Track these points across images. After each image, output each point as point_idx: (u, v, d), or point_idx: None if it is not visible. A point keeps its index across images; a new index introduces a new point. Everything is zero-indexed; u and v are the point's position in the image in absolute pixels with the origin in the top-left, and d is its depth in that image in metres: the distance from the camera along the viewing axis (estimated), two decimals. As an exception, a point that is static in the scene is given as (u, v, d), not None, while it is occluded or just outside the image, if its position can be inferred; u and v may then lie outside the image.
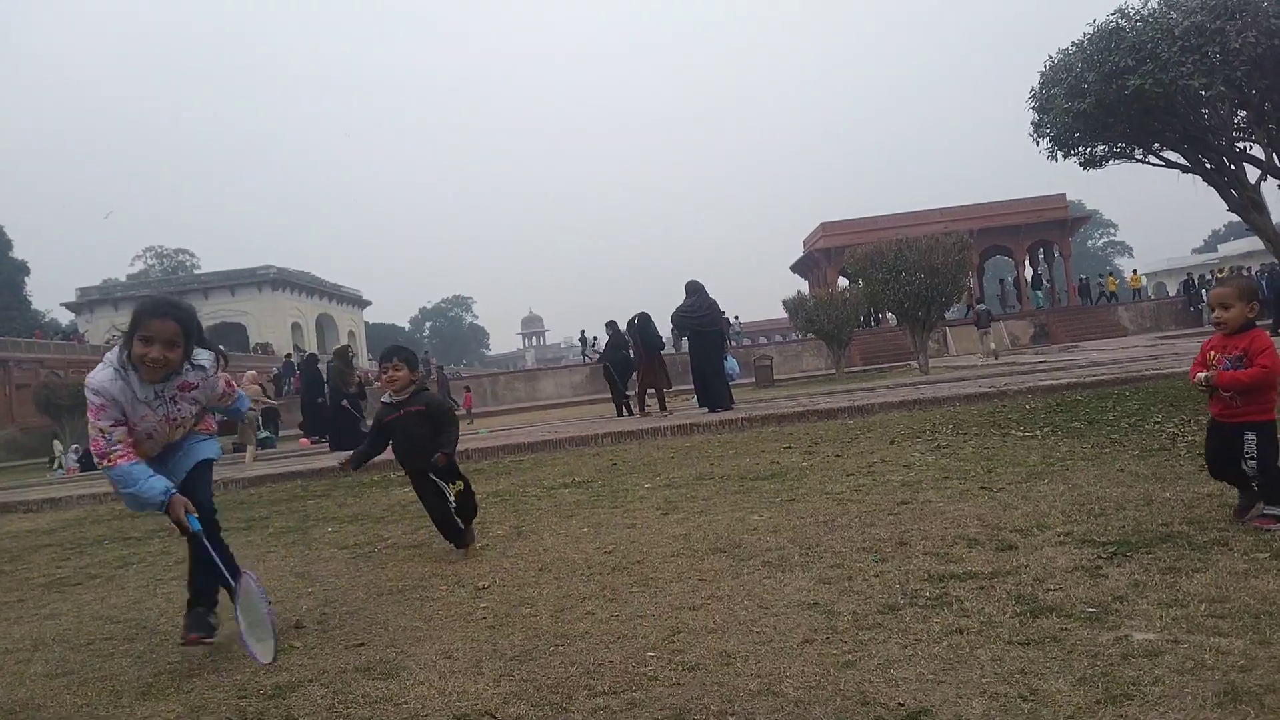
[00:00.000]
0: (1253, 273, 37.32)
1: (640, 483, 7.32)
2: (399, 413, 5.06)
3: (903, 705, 2.46)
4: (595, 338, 43.72)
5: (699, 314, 13.91)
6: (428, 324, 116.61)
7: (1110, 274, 48.62)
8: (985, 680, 2.57)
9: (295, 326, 59.30)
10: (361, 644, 3.69)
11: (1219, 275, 39.71)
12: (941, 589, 3.55)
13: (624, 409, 16.02)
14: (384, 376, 5.07)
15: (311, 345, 56.17)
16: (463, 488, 5.19)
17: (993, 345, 28.16)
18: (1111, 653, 2.67)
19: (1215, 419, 4.13)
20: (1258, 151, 8.99)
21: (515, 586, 4.37)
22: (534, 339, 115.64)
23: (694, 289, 14.07)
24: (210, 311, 54.18)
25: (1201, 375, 4.03)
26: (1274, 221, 10.16)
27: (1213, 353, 4.07)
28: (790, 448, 8.63)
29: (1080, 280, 46.86)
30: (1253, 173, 9.24)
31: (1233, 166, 9.12)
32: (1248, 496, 4.06)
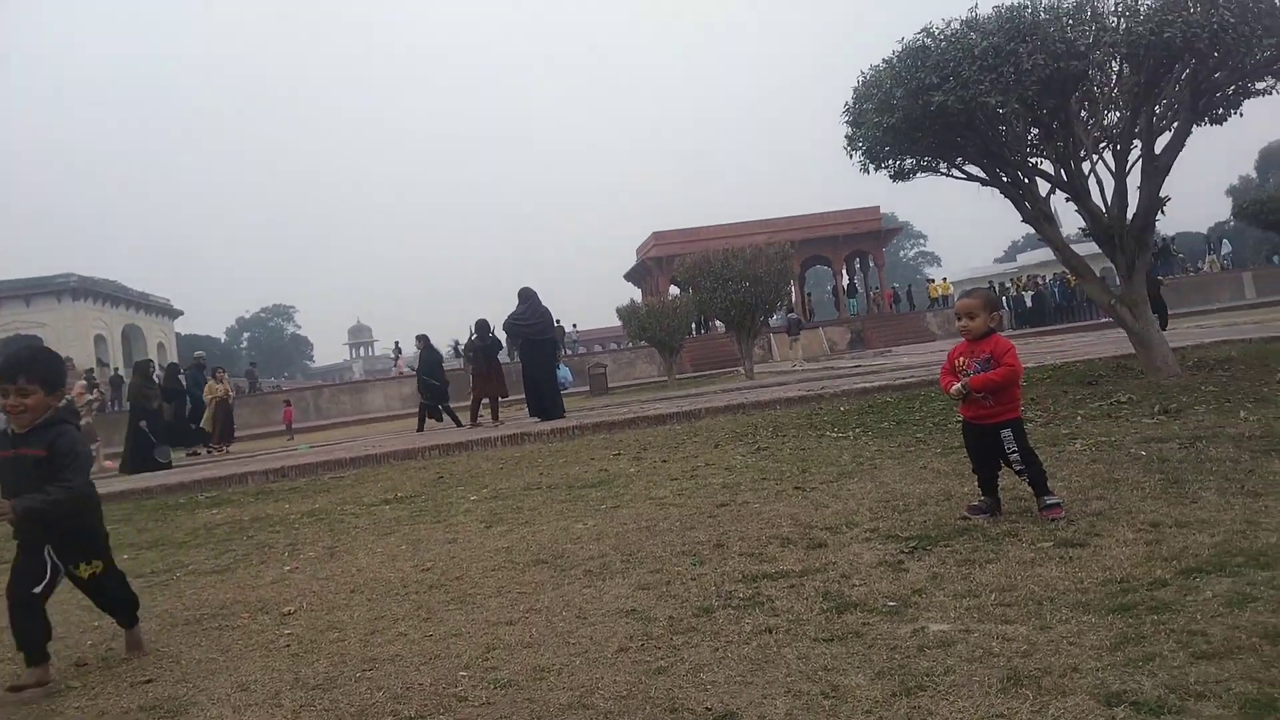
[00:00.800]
0: (1046, 281, 40.34)
1: (466, 495, 7.16)
2: (8, 452, 3.53)
3: (710, 710, 2.47)
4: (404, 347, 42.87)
5: (530, 321, 13.82)
6: (245, 335, 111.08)
7: (933, 281, 51.41)
8: (790, 679, 2.61)
9: (99, 339, 55.23)
10: (149, 680, 3.41)
11: (1018, 282, 42.81)
12: (755, 589, 3.61)
13: (442, 417, 15.90)
14: (3, 403, 3.55)
15: (117, 359, 52.48)
16: (101, 569, 3.75)
17: (800, 353, 29.44)
18: (909, 645, 2.76)
19: (969, 422, 4.44)
20: (1048, 167, 9.66)
21: (324, 610, 4.16)
22: (362, 349, 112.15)
23: (526, 296, 13.96)
24: (2, 324, 49.83)
25: (957, 386, 4.33)
26: (1064, 234, 10.96)
27: (961, 359, 4.38)
28: (619, 454, 8.66)
29: (893, 288, 49.36)
30: (1044, 187, 9.92)
31: (1026, 180, 9.76)
32: (991, 500, 4.37)
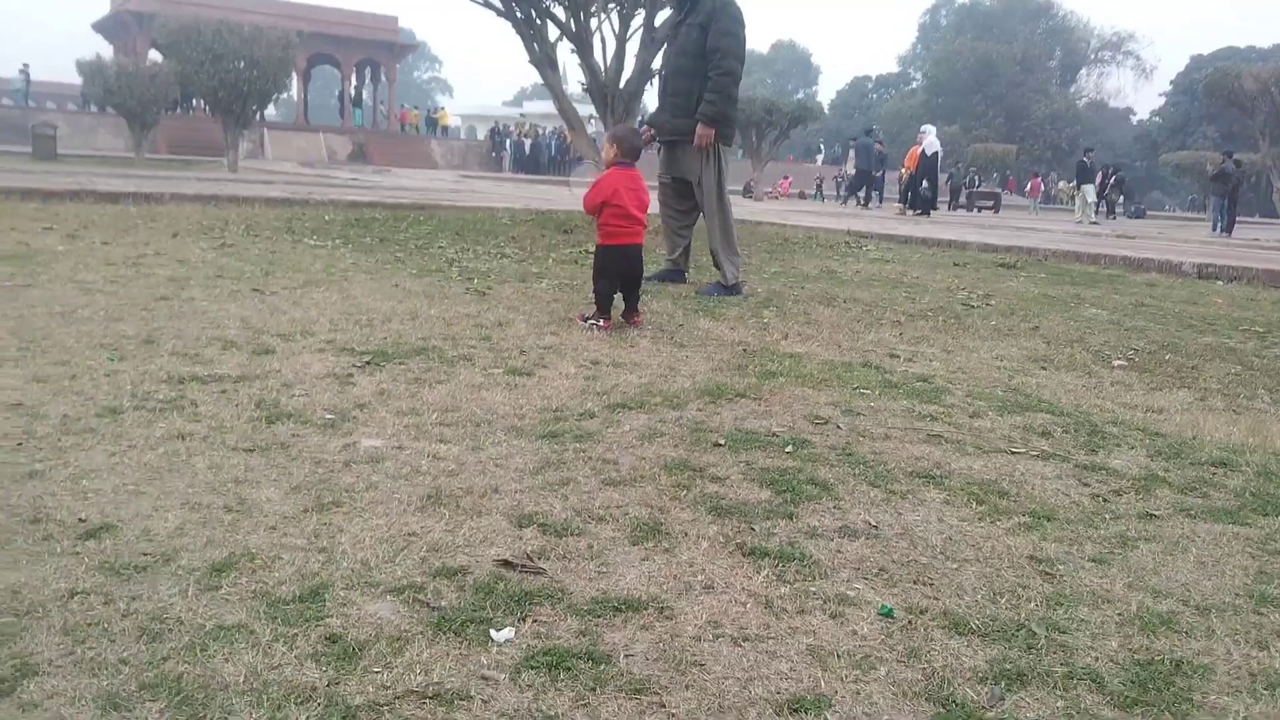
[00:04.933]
0: (545, 133, 41.84)
1: None
2: None
3: (83, 521, 2.09)
4: None
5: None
6: None
7: (443, 109, 50.71)
8: (193, 490, 2.32)
9: None
10: None
11: (520, 129, 43.93)
12: (179, 391, 3.20)
13: None
14: None
15: None
16: None
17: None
18: (335, 460, 2.61)
19: None
20: (561, 14, 9.73)
21: None
22: None
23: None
24: None
25: None
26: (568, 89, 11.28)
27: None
28: (51, 228, 7.34)
29: (403, 107, 48.08)
30: (554, 33, 10.03)
31: (539, 21, 9.77)
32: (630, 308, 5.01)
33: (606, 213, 4.91)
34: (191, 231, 7.78)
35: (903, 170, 22.33)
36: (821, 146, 59.43)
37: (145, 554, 1.97)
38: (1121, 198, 33.08)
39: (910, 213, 20.14)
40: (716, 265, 6.30)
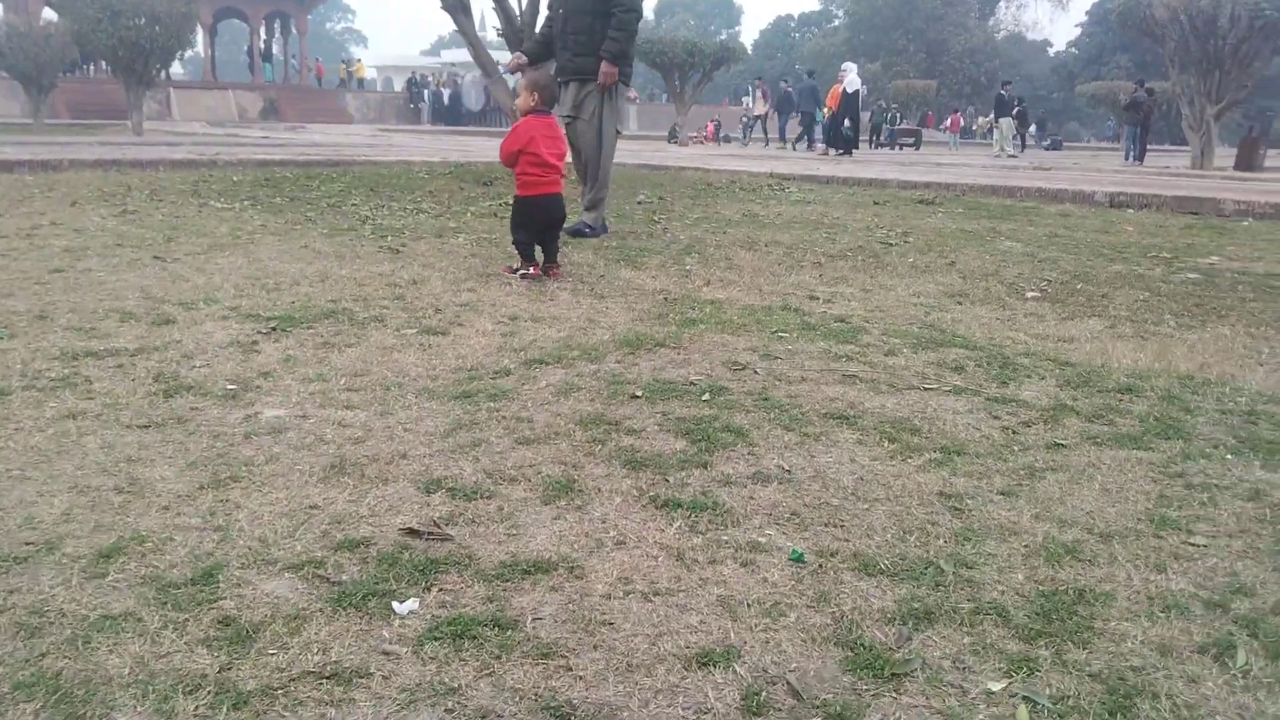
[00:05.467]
0: (463, 81, 40.89)
1: None
2: None
3: (-40, 513, 1.99)
4: None
5: None
6: None
7: (359, 61, 49.20)
8: (82, 472, 2.22)
9: None
10: None
11: (439, 78, 42.84)
12: (73, 368, 3.06)
13: None
14: None
15: None
16: None
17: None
18: (235, 432, 2.51)
19: None
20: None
21: None
22: None
23: None
24: None
25: None
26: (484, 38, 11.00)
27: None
28: (-67, 202, 6.97)
29: (316, 60, 46.58)
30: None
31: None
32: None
33: (524, 162, 4.80)
34: (91, 199, 7.45)
35: (824, 109, 22.27)
36: (750, 89, 59.19)
37: (27, 543, 1.87)
38: (1032, 127, 33.56)
39: (832, 152, 20.18)
40: (588, 204, 6.36)
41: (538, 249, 4.90)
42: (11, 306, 3.87)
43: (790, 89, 28.44)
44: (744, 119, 33.14)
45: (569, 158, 5.81)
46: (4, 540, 1.88)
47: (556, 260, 4.95)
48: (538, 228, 4.88)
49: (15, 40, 22.20)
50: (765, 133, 29.50)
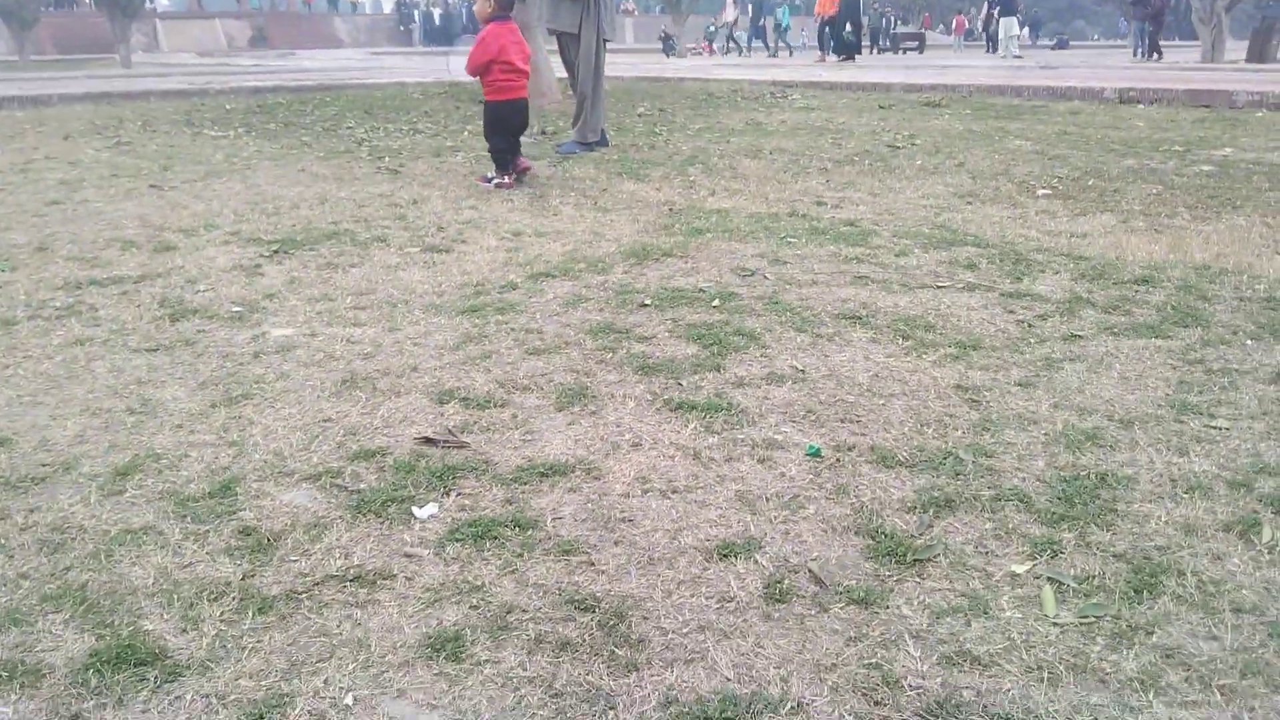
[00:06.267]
0: (454, 1, 39.91)
1: None
2: None
3: (-26, 438, 1.98)
4: None
5: None
6: None
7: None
8: (93, 396, 2.20)
9: None
10: None
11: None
12: (77, 297, 3.04)
13: None
14: None
15: None
16: None
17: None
18: (244, 352, 2.50)
19: None
20: None
21: None
22: None
23: None
24: None
25: None
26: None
27: None
28: (-74, 139, 6.87)
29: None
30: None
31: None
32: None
33: (496, 69, 4.78)
34: (84, 132, 7.34)
35: (817, 15, 21.58)
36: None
37: (44, 464, 1.87)
38: (1025, 29, 32.76)
39: (832, 58, 19.71)
40: (576, 119, 6.25)
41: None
42: (11, 239, 3.83)
43: None
44: (710, 27, 32.44)
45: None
46: (21, 462, 1.88)
47: (519, 152, 5.05)
48: (513, 130, 4.93)
49: (-6, -25, 21.72)
50: (735, 42, 28.96)
